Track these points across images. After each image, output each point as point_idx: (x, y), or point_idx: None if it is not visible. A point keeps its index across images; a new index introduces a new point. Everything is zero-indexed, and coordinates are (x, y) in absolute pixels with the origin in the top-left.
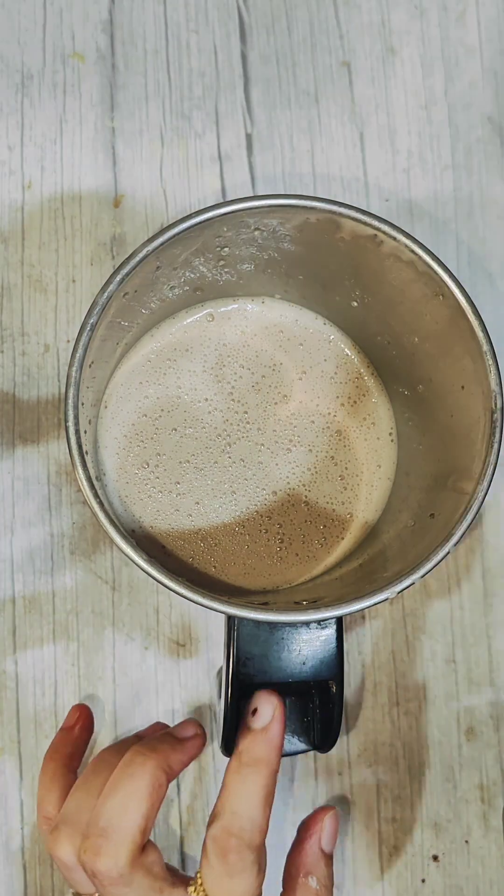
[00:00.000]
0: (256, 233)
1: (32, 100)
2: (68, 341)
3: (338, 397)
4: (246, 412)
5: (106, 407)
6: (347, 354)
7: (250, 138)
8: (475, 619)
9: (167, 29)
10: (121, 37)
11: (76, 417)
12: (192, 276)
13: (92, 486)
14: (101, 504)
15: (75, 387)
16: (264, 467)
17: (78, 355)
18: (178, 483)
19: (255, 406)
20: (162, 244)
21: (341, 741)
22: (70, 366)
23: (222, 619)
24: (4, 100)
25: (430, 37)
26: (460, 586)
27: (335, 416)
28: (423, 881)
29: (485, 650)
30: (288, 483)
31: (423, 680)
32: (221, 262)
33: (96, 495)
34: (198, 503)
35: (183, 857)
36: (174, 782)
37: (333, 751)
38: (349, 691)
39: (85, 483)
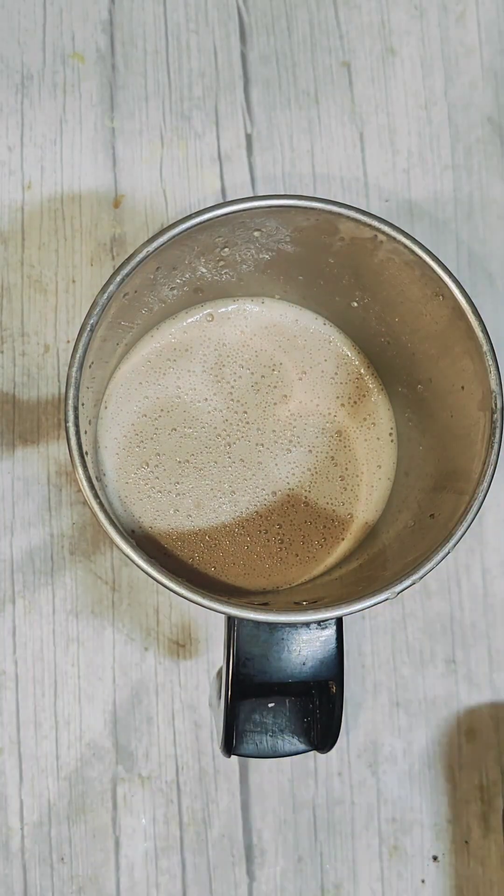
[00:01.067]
0: (256, 233)
1: (32, 100)
2: (68, 342)
3: (338, 397)
4: (246, 412)
5: (106, 407)
6: (347, 354)
7: (250, 138)
8: (475, 619)
9: (167, 29)
10: (121, 37)
11: (76, 418)
12: (192, 276)
13: (92, 487)
14: (101, 504)
15: (75, 387)
16: (264, 468)
17: (78, 356)
18: (178, 483)
19: (255, 406)
20: (162, 245)
21: (341, 741)
22: (70, 366)
23: (222, 620)
24: (4, 100)
25: (430, 37)
26: (460, 586)
27: (335, 416)
28: (423, 881)
29: (485, 650)
30: (288, 483)
31: (423, 680)
32: (221, 263)
33: (96, 495)
34: (197, 503)
35: (183, 858)
36: (174, 783)
37: (333, 751)
38: (349, 691)
39: (85, 483)
